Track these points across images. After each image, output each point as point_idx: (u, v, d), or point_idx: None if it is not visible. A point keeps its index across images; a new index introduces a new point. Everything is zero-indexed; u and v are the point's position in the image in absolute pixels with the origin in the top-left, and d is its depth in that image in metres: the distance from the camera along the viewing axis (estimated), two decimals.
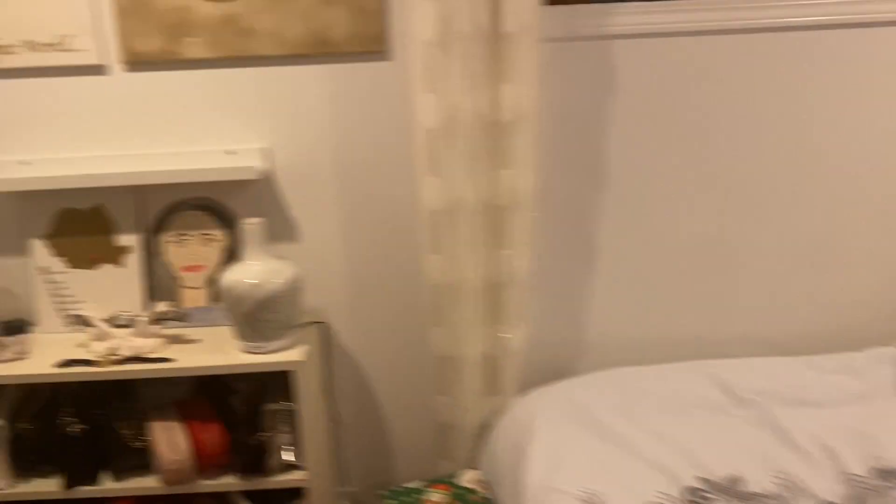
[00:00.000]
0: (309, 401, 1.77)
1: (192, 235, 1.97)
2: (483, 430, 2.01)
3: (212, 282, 1.96)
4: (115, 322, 1.87)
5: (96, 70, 1.90)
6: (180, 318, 1.89)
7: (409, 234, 1.95)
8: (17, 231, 1.95)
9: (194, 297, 1.98)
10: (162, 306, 1.88)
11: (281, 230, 1.99)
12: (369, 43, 1.86)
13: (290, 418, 1.79)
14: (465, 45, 1.68)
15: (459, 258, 1.84)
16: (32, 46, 1.86)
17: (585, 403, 1.87)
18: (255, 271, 1.73)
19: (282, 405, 1.81)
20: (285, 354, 1.77)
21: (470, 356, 1.93)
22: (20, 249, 1.94)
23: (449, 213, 1.80)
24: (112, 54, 1.89)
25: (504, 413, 1.97)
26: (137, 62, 1.88)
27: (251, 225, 1.74)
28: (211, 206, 1.96)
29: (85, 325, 1.86)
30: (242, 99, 1.92)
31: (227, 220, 1.97)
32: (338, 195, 1.99)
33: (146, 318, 1.83)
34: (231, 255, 1.95)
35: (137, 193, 1.94)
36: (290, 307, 1.77)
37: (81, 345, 1.83)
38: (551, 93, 1.84)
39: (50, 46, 1.86)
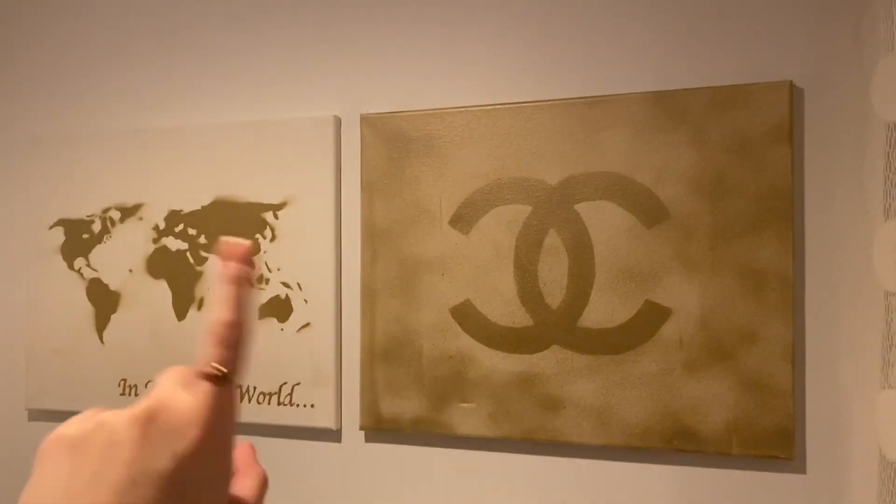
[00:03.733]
0: None
1: None
2: None
3: None
4: None
5: (322, 434, 1.29)
6: None
7: None
8: None
9: None
10: None
11: None
12: (767, 442, 1.06)
13: None
14: None
15: None
16: (248, 394, 1.31)
17: None
18: None
19: None
20: None
21: None
22: None
23: None
24: (349, 417, 1.28)
25: None
26: (384, 430, 1.23)
27: None
28: None
29: None
30: (535, 501, 1.17)
31: None
32: None
33: None
34: None
35: None
36: None
37: None
38: None
39: (269, 396, 1.30)
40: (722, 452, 1.08)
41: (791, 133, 1.05)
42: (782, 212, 1.05)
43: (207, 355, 0.36)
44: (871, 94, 0.97)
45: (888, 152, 0.96)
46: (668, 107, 1.11)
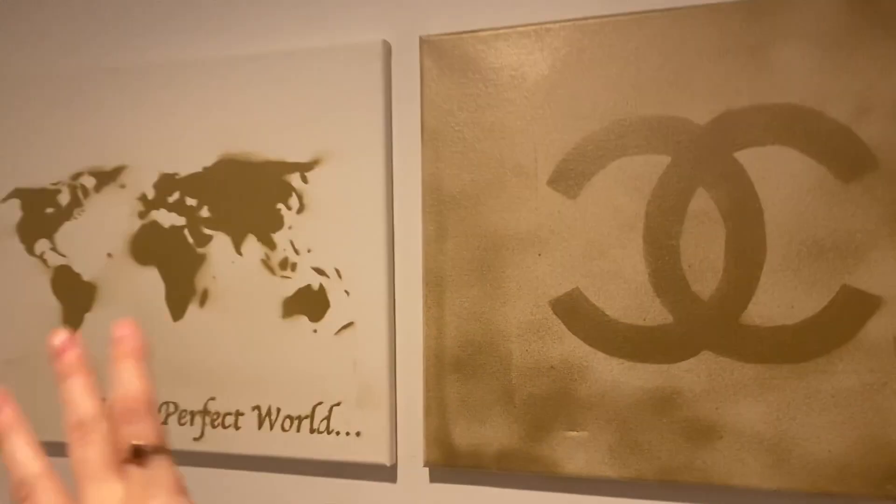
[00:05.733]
0: None
1: None
2: None
3: None
4: None
5: (372, 472, 0.96)
6: None
7: None
8: None
9: None
10: None
11: None
12: None
13: None
14: None
15: None
16: (269, 418, 0.98)
17: None
18: None
19: None
20: None
21: None
22: None
23: None
24: (408, 449, 0.94)
25: None
26: (457, 467, 0.90)
27: None
28: None
29: None
30: None
31: None
32: None
33: None
34: None
35: None
36: None
37: None
38: None
39: (299, 421, 0.96)
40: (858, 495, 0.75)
41: None
42: None
43: (125, 436, 0.35)
44: None
45: None
46: (873, 10, 0.77)
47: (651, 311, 0.84)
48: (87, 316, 1.07)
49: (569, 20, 0.87)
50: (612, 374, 0.85)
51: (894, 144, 0.77)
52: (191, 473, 1.05)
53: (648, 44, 0.84)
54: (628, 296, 0.85)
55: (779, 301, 0.80)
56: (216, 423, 1.01)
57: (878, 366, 0.77)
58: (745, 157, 0.81)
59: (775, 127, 0.80)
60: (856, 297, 0.78)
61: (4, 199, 1.11)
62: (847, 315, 0.78)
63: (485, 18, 0.92)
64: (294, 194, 0.97)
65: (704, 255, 0.82)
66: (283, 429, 0.98)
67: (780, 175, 0.80)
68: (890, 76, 0.77)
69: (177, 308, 1.03)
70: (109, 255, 1.06)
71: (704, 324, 0.82)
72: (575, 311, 0.87)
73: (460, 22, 0.93)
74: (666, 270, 0.84)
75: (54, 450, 1.03)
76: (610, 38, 0.85)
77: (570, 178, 0.87)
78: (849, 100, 0.78)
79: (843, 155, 0.78)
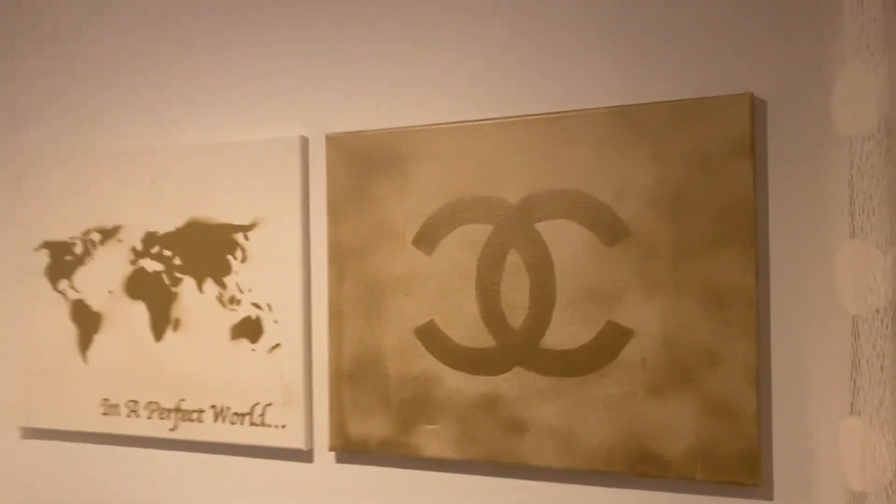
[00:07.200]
0: None
1: None
2: None
3: None
4: None
5: (294, 455, 1.29)
6: None
7: None
8: None
9: None
10: None
11: None
12: (732, 467, 1.02)
13: None
14: None
15: None
16: (222, 414, 1.32)
17: None
18: None
19: None
20: None
21: None
22: None
23: None
24: (319, 438, 1.27)
25: None
26: (352, 451, 1.23)
27: None
28: None
29: None
30: None
31: None
32: None
33: None
34: None
35: None
36: None
37: None
38: None
39: (242, 417, 1.30)
40: (686, 477, 1.04)
41: (752, 147, 1.01)
42: (744, 228, 1.01)
43: None
44: (831, 109, 0.93)
45: (851, 168, 0.92)
46: (628, 122, 1.08)
47: (481, 338, 1.16)
48: (95, 337, 1.43)
49: (424, 125, 1.19)
50: (457, 383, 1.17)
51: (642, 219, 1.07)
52: (168, 456, 1.40)
53: (479, 143, 1.16)
54: (466, 326, 1.17)
55: (565, 331, 1.11)
56: (185, 418, 1.36)
57: (631, 379, 1.07)
58: (542, 227, 1.12)
59: (562, 205, 1.11)
60: (616, 329, 1.08)
61: (37, 249, 1.49)
62: (610, 342, 1.09)
63: (372, 122, 1.25)
64: (239, 248, 1.32)
65: (516, 297, 1.14)
66: (231, 422, 1.32)
67: (565, 240, 1.11)
68: (639, 170, 1.07)
69: (158, 332, 1.38)
70: (110, 291, 1.42)
71: (516, 347, 1.13)
72: (431, 337, 1.19)
73: (356, 123, 1.26)
74: (491, 308, 1.15)
75: (77, 437, 1.48)
76: (453, 139, 1.17)
77: (427, 238, 1.19)
78: (611, 187, 1.09)
79: (607, 226, 1.09)
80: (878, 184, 0.87)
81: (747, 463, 1.01)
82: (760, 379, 1.02)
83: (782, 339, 1.02)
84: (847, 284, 0.91)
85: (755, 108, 1.02)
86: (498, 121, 1.15)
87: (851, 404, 0.92)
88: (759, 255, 1.02)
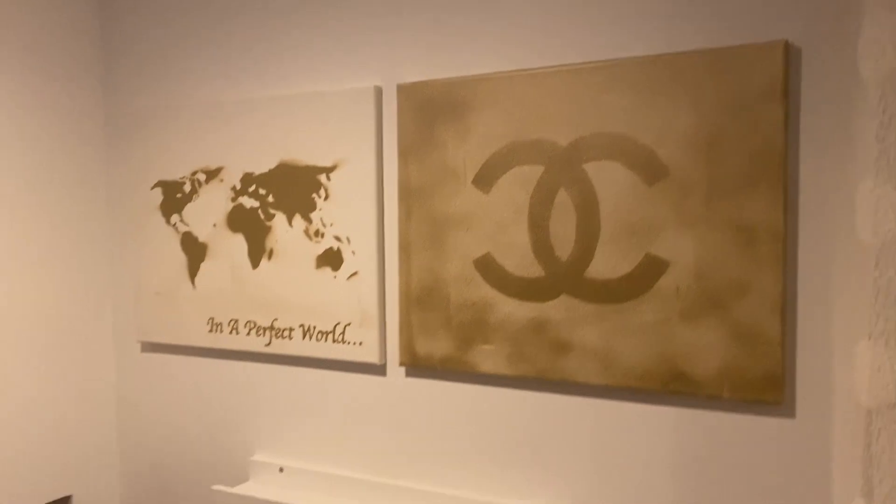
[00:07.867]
0: None
1: None
2: None
3: None
4: None
5: (369, 368, 1.48)
6: None
7: None
8: None
9: None
10: None
11: None
12: (756, 387, 1.12)
13: None
14: None
15: None
16: (309, 332, 1.52)
17: None
18: None
19: None
20: None
21: None
22: None
23: None
24: (391, 354, 1.45)
25: None
26: (419, 366, 1.40)
27: None
28: None
29: None
30: (545, 433, 1.31)
31: None
32: None
33: None
34: None
35: None
36: None
37: None
38: None
39: (326, 335, 1.50)
40: (714, 395, 1.15)
41: (785, 92, 1.08)
42: (775, 169, 1.09)
43: None
44: (858, 53, 0.99)
45: (882, 110, 0.98)
46: (668, 70, 1.16)
47: (531, 268, 1.29)
48: (202, 265, 1.66)
49: (483, 74, 1.31)
50: (510, 308, 1.31)
51: (679, 161, 1.16)
52: (262, 369, 1.62)
53: (533, 91, 1.27)
54: (518, 258, 1.30)
55: (607, 263, 1.23)
56: (278, 335, 1.57)
57: (666, 306, 1.18)
58: (589, 167, 1.23)
59: (607, 147, 1.21)
60: (654, 261, 1.19)
61: (152, 188, 1.72)
62: (648, 273, 1.20)
63: (438, 72, 1.38)
64: (322, 187, 1.50)
65: (564, 231, 1.26)
66: (317, 339, 1.52)
67: (609, 179, 1.22)
68: (677, 115, 1.16)
69: (255, 260, 1.59)
70: (214, 225, 1.64)
71: (563, 277, 1.26)
72: (487, 267, 1.33)
73: (424, 73, 1.39)
74: (541, 242, 1.28)
75: (186, 351, 1.73)
76: (510, 87, 1.29)
77: (485, 179, 1.32)
78: (651, 130, 1.18)
79: (648, 167, 1.18)
80: None
81: (771, 383, 1.11)
82: (787, 306, 1.11)
83: (808, 271, 1.10)
84: (866, 217, 0.98)
85: (789, 55, 1.08)
86: (550, 69, 1.25)
87: (872, 328, 1.01)
88: (789, 194, 1.10)
